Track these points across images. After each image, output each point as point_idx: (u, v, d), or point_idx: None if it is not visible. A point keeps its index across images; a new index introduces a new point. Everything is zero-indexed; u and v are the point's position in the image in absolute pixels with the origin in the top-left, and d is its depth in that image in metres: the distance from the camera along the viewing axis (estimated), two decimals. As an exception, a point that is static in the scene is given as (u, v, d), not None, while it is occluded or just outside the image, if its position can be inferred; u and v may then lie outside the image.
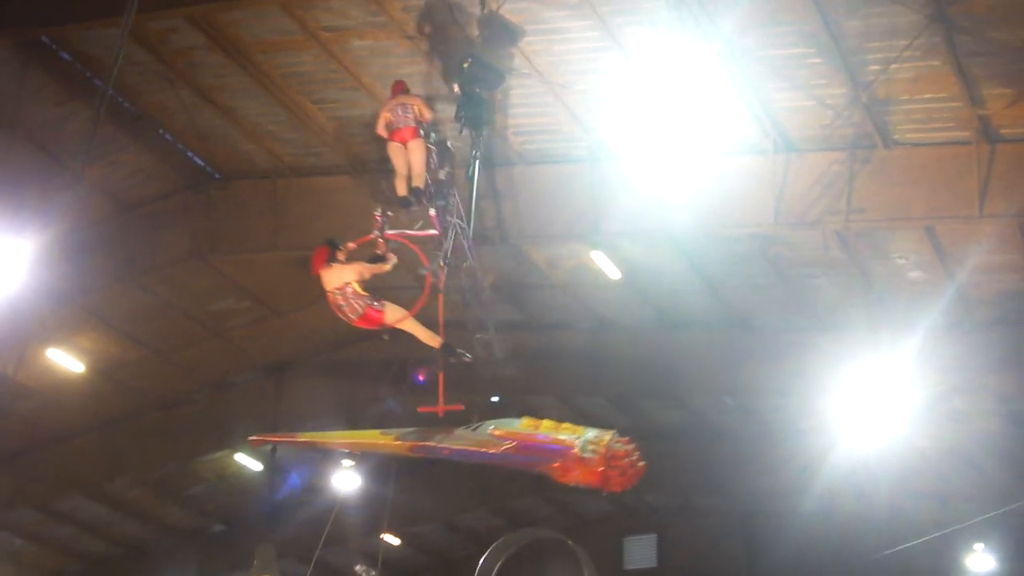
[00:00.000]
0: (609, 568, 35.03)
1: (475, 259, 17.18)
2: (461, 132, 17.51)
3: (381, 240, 16.42)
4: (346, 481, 29.68)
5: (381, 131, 16.95)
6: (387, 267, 16.13)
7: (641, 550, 36.58)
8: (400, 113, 16.93)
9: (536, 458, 15.30)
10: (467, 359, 16.43)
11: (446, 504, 34.64)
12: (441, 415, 15.83)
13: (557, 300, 26.06)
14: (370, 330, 16.32)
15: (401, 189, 16.78)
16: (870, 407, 22.73)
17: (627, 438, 15.43)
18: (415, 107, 16.89)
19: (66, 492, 31.55)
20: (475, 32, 17.95)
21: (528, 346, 25.65)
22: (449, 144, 17.79)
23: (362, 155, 22.03)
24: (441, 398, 16.08)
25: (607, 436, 15.21)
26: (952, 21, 17.28)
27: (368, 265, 15.89)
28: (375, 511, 28.67)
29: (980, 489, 28.21)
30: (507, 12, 18.01)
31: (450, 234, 16.81)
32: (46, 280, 21.28)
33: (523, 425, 15.40)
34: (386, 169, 18.19)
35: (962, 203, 19.57)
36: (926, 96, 19.03)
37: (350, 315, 15.82)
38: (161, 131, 22.11)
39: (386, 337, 16.42)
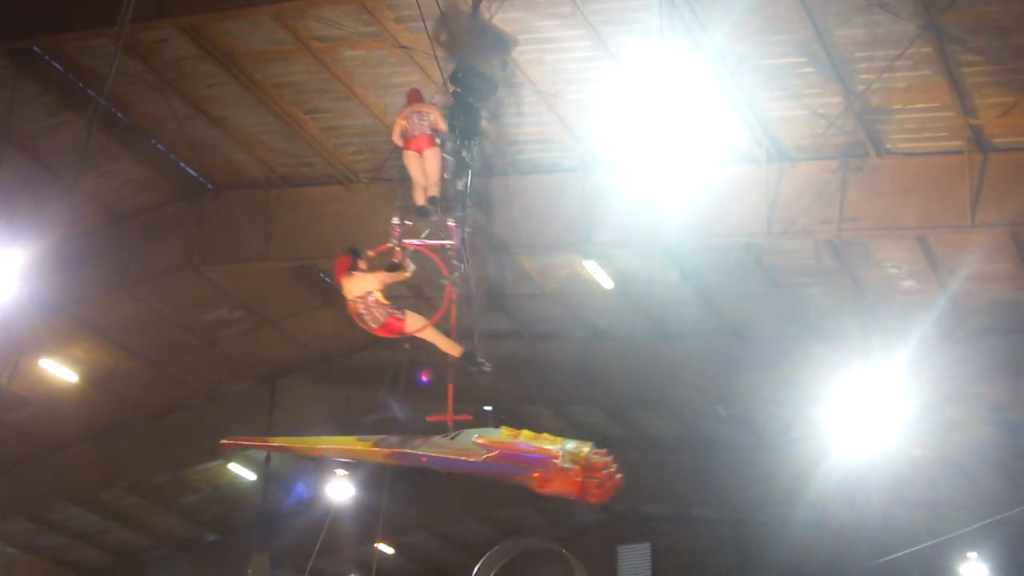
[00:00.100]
0: (602, 577, 35.07)
1: (468, 267, 17.14)
2: (455, 142, 17.46)
3: (398, 249, 16.30)
4: (340, 491, 29.66)
5: (396, 139, 16.79)
6: (406, 275, 16.02)
7: (634, 559, 36.53)
8: (416, 121, 16.73)
9: (516, 467, 15.27)
10: (487, 368, 16.37)
11: (439, 513, 34.63)
12: (450, 424, 15.76)
13: (549, 309, 26.06)
14: (388, 339, 16.17)
15: (419, 198, 16.65)
16: (862, 416, 22.75)
17: (605, 450, 15.45)
18: (430, 115, 16.72)
19: (59, 501, 31.56)
20: (468, 42, 17.94)
21: (520, 356, 25.68)
22: (464, 154, 17.72)
23: (354, 165, 22.04)
24: (450, 407, 16.00)
25: (586, 447, 15.24)
26: (944, 30, 17.30)
27: (389, 274, 15.77)
28: (369, 520, 28.59)
29: (973, 498, 28.21)
30: (499, 22, 18.03)
31: (467, 244, 16.75)
32: (39, 290, 21.23)
33: (503, 434, 15.38)
34: (398, 178, 18.08)
35: (954, 212, 19.58)
36: (918, 105, 19.05)
37: (371, 324, 15.65)
38: (153, 141, 22.11)
39: (407, 346, 16.36)
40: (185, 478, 32.03)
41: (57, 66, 20.12)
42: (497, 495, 32.26)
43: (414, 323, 15.64)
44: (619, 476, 15.47)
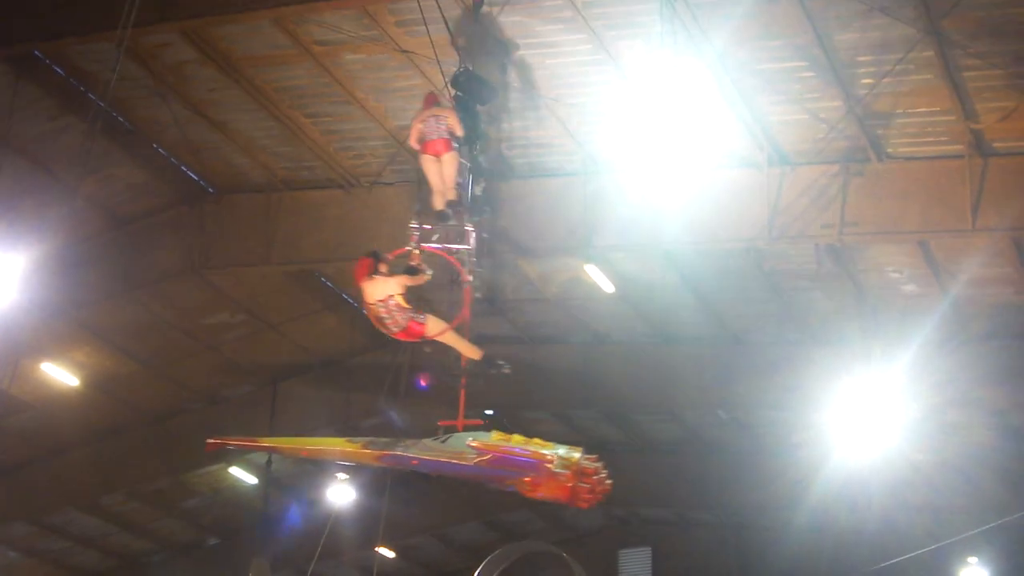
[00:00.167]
0: (603, 581, 35.07)
1: (485, 271, 17.14)
2: (457, 147, 17.41)
3: (416, 252, 16.24)
4: (340, 494, 29.65)
5: (414, 143, 16.70)
6: (425, 279, 15.95)
7: (635, 563, 36.55)
8: (433, 125, 16.63)
9: (509, 471, 15.24)
10: (507, 370, 16.35)
11: (440, 517, 34.62)
12: (460, 429, 15.73)
13: (550, 314, 26.06)
14: (389, 342, 16.12)
15: (438, 203, 16.58)
16: (864, 420, 22.74)
17: (595, 455, 15.48)
18: (448, 120, 16.63)
19: (60, 505, 31.55)
20: (469, 46, 17.93)
21: (521, 360, 25.65)
22: (482, 159, 17.69)
23: (355, 169, 22.04)
24: (462, 411, 15.97)
25: (577, 453, 15.27)
26: (944, 35, 17.31)
27: (409, 277, 15.71)
28: (369, 524, 28.60)
29: (974, 502, 28.21)
30: (501, 26, 18.03)
31: (485, 248, 16.73)
32: (40, 294, 21.26)
33: (494, 438, 15.37)
34: (415, 181, 18.03)
35: (955, 217, 19.57)
36: (919, 110, 19.06)
37: (392, 328, 15.56)
38: (154, 145, 22.11)
39: (428, 350, 16.31)
40: (186, 482, 32.03)
41: (58, 70, 20.12)
42: (498, 499, 32.21)
43: (435, 327, 15.58)
44: (609, 482, 15.50)
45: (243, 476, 31.63)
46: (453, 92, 17.26)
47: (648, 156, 20.31)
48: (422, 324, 15.52)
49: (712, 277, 23.78)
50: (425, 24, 17.15)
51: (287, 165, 22.35)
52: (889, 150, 19.85)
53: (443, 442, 15.43)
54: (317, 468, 30.82)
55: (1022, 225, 19.63)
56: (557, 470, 15.04)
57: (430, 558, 37.98)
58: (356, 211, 22.38)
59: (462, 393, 16.03)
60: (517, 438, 15.37)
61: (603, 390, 27.30)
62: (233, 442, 16.98)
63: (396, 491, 25.89)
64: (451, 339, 15.80)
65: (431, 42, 17.62)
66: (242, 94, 20.35)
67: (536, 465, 15.12)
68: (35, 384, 26.32)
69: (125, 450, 29.53)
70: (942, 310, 22.92)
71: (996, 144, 19.38)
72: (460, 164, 16.63)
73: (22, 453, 29.26)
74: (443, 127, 16.48)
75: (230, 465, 31.13)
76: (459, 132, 16.55)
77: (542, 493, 15.35)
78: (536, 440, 15.42)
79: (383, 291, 15.41)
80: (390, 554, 35.17)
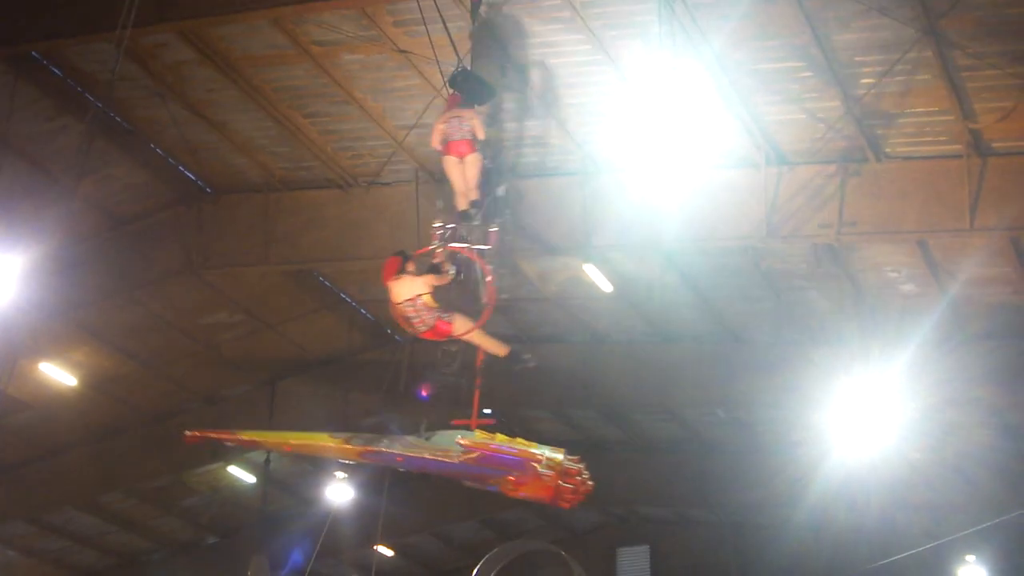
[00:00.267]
0: (602, 579, 35.09)
1: (506, 270, 17.15)
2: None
3: (440, 252, 16.20)
4: (339, 493, 29.66)
5: (436, 144, 16.63)
6: (448, 279, 15.92)
7: (633, 561, 36.59)
8: (456, 126, 16.56)
9: (495, 470, 15.26)
10: (532, 365, 16.38)
11: (439, 516, 34.64)
12: (474, 428, 15.71)
13: (549, 313, 26.07)
14: (436, 341, 16.06)
15: (461, 203, 16.53)
16: (862, 420, 22.73)
17: (577, 456, 15.51)
18: (471, 121, 16.56)
19: (59, 504, 31.56)
20: (467, 46, 17.93)
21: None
22: (503, 160, 17.64)
23: (353, 169, 22.05)
24: (475, 410, 15.96)
25: (559, 454, 15.31)
26: (943, 35, 17.30)
27: (436, 276, 15.68)
28: (368, 523, 28.62)
29: (972, 501, 28.25)
30: (499, 26, 18.02)
31: (508, 248, 16.73)
32: (38, 294, 21.24)
33: (479, 437, 15.37)
34: (437, 181, 17.99)
35: (953, 216, 19.58)
36: (917, 110, 19.06)
37: (419, 327, 15.50)
38: (152, 146, 22.10)
39: (454, 348, 16.28)
40: (185, 481, 32.02)
41: (56, 71, 20.11)
42: (496, 497, 32.00)
43: (462, 326, 15.55)
44: (591, 483, 15.53)
45: (242, 475, 31.64)
46: (451, 92, 17.26)
47: (647, 156, 20.27)
48: (449, 323, 15.48)
49: (711, 276, 23.79)
50: (424, 24, 17.15)
51: (285, 165, 22.34)
52: (887, 150, 19.85)
53: (427, 439, 15.42)
54: (316, 467, 30.86)
55: (1020, 225, 19.66)
56: (542, 470, 15.08)
57: (428, 556, 38.00)
58: (354, 211, 22.38)
59: (476, 393, 16.02)
60: (501, 437, 15.38)
61: (602, 389, 27.33)
62: (213, 434, 16.92)
63: (395, 490, 25.92)
64: (477, 338, 15.79)
65: (430, 42, 17.62)
66: (240, 94, 20.34)
67: (523, 464, 15.16)
68: (33, 384, 26.30)
69: (124, 449, 29.52)
70: (940, 310, 22.94)
71: (995, 144, 19.38)
72: (483, 165, 16.59)
73: (21, 453, 29.25)
74: (466, 128, 16.38)
75: (229, 464, 31.13)
76: (481, 134, 16.50)
77: (524, 492, 15.41)
78: (519, 440, 15.45)
79: (411, 291, 15.35)
80: (389, 552, 35.21)
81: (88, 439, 29.41)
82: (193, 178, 22.95)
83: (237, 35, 19.12)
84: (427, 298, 15.37)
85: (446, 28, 17.34)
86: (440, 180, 21.17)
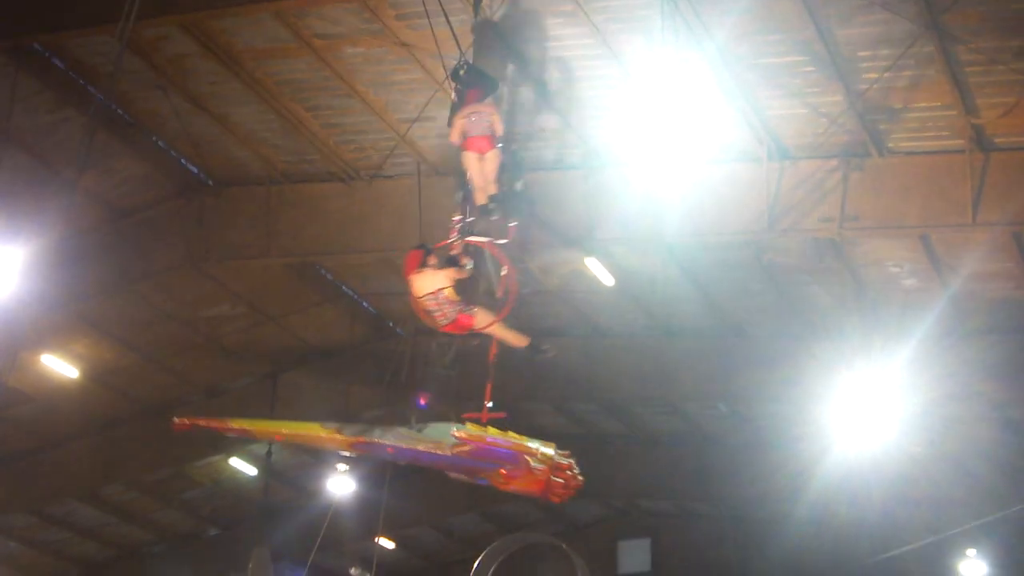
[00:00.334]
0: (603, 572, 35.13)
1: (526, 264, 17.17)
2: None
3: (458, 245, 16.17)
4: (340, 485, 29.68)
5: (455, 139, 16.58)
6: (467, 273, 15.91)
7: (635, 554, 36.63)
8: (476, 121, 16.53)
9: (488, 463, 15.25)
10: (551, 355, 16.41)
11: (440, 508, 34.71)
12: (484, 421, 15.71)
13: (551, 307, 26.04)
14: (462, 334, 16.04)
15: (480, 198, 16.51)
16: (863, 414, 22.73)
17: (568, 451, 15.53)
18: (491, 117, 16.54)
19: (61, 496, 31.62)
20: (469, 39, 17.91)
21: (522, 353, 25.64)
22: (519, 154, 17.61)
23: (355, 163, 22.04)
24: (487, 404, 15.96)
25: (550, 448, 15.32)
26: (946, 30, 17.28)
27: (456, 270, 15.66)
28: (369, 515, 28.63)
29: (973, 495, 28.28)
30: (501, 19, 18.00)
31: (526, 242, 16.73)
32: (40, 287, 21.21)
33: (472, 430, 15.35)
34: (456, 174, 17.96)
35: (956, 211, 19.57)
36: (920, 105, 19.03)
37: (440, 320, 15.46)
38: (154, 138, 22.08)
39: (476, 342, 16.28)
40: (186, 473, 32.07)
41: (58, 63, 20.08)
42: (498, 491, 32.30)
43: (483, 319, 15.55)
44: (581, 477, 15.54)
45: (243, 467, 31.67)
46: (454, 86, 17.23)
47: (649, 150, 20.26)
48: (471, 317, 15.48)
49: (713, 270, 23.79)
50: (428, 17, 17.10)
51: (287, 158, 22.32)
52: (890, 145, 19.83)
53: (419, 431, 15.40)
54: (317, 459, 30.89)
55: (1023, 220, 19.65)
56: (535, 464, 15.09)
57: (430, 549, 38.06)
58: (356, 204, 22.36)
59: (488, 385, 16.02)
60: (492, 430, 15.37)
61: (604, 383, 27.30)
62: (202, 422, 16.63)
63: (396, 482, 25.94)
64: (499, 331, 15.79)
65: (433, 35, 17.58)
66: (242, 87, 20.31)
67: (516, 457, 15.16)
68: (35, 376, 26.33)
69: (125, 441, 29.53)
70: (942, 304, 22.94)
71: (997, 139, 19.36)
72: (501, 160, 16.57)
73: (22, 444, 29.28)
74: (485, 124, 16.37)
75: (230, 456, 31.17)
76: (500, 129, 16.48)
77: (515, 486, 15.41)
78: (511, 433, 15.45)
79: (433, 284, 15.34)
80: (390, 544, 35.24)
81: (89, 431, 29.44)
82: (195, 171, 22.92)
83: (239, 28, 19.08)
84: (449, 291, 15.34)
85: (448, 22, 17.28)
86: (442, 173, 21.32)
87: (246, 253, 23.23)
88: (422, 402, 16.35)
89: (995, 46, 17.50)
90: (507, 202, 16.44)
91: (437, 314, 15.40)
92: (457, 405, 16.02)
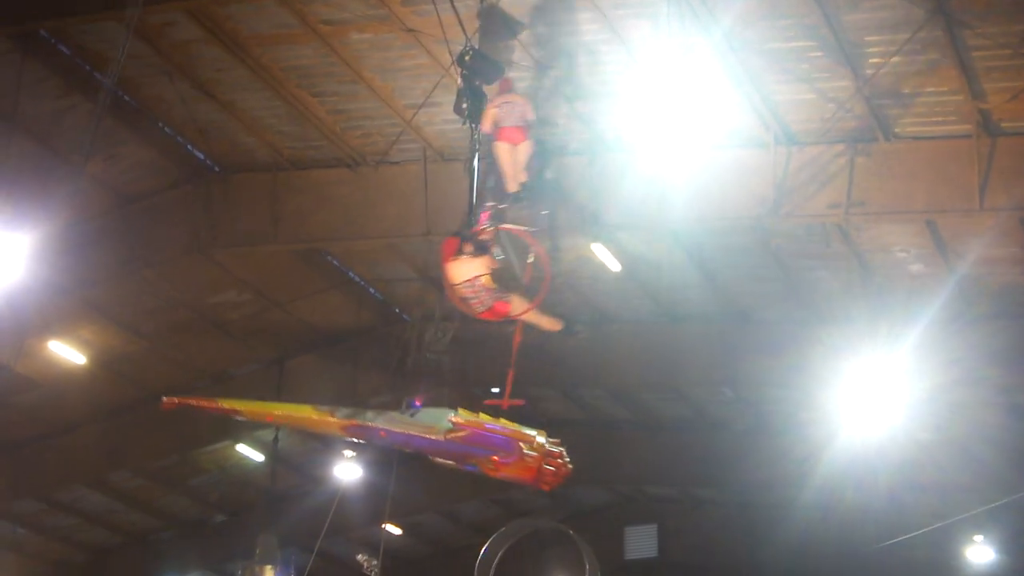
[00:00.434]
0: (609, 558, 35.05)
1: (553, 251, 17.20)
2: (464, 124, 17.35)
3: (488, 232, 16.16)
4: (347, 471, 29.73)
5: (487, 128, 16.56)
6: (498, 260, 15.92)
7: (641, 540, 36.66)
8: (508, 111, 16.52)
9: (481, 449, 15.24)
10: (583, 335, 16.46)
11: (447, 494, 34.69)
12: (505, 408, 15.73)
13: (557, 293, 25.91)
14: (493, 321, 16.05)
15: (511, 186, 16.51)
16: (870, 399, 22.71)
17: (558, 439, 15.54)
18: (522, 106, 16.54)
19: (68, 483, 31.71)
20: (475, 25, 17.89)
21: (528, 339, 25.64)
22: (548, 144, 17.63)
23: (362, 148, 22.03)
24: (508, 391, 15.98)
25: (541, 436, 15.32)
26: (953, 15, 17.25)
27: (490, 257, 15.65)
28: (376, 501, 28.68)
29: (980, 481, 28.23)
30: (506, 4, 17.98)
31: (555, 229, 16.77)
32: (46, 273, 21.33)
33: (465, 415, 15.35)
34: (488, 161, 17.99)
35: (963, 196, 19.55)
36: (927, 90, 19.00)
37: (477, 307, 15.42)
38: (160, 124, 22.10)
39: (511, 329, 16.30)
40: (193, 459, 32.12)
41: (64, 49, 20.09)
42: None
43: (519, 306, 15.56)
44: (571, 465, 15.55)
45: (250, 453, 31.71)
46: (459, 71, 17.21)
47: (655, 135, 20.22)
48: (507, 304, 15.48)
49: (719, 256, 23.79)
50: (434, 3, 17.05)
51: (293, 144, 22.32)
52: (897, 130, 19.81)
53: (412, 416, 15.38)
54: (324, 446, 30.92)
55: (1030, 205, 19.65)
56: (528, 451, 15.10)
57: (436, 535, 38.11)
58: (362, 190, 22.37)
59: (510, 373, 16.06)
60: (484, 417, 15.37)
61: (610, 368, 27.30)
62: (192, 401, 16.50)
63: (402, 468, 25.96)
64: (534, 317, 15.83)
65: (439, 21, 17.53)
66: (248, 73, 20.31)
67: (510, 444, 15.16)
68: (42, 362, 26.39)
69: (132, 428, 29.57)
70: (949, 289, 22.92)
71: (1004, 124, 19.34)
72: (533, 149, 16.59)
73: (30, 431, 29.35)
74: (518, 114, 16.38)
75: (237, 443, 31.22)
76: (531, 118, 16.50)
77: (505, 473, 15.41)
78: (503, 420, 15.45)
79: (469, 271, 15.31)
80: (397, 531, 35.28)
81: (97, 417, 29.50)
82: (201, 157, 22.94)
83: (245, 14, 19.06)
84: (486, 279, 15.32)
85: (454, 7, 17.26)
86: (449, 159, 21.30)
87: (252, 239, 23.24)
88: (417, 403, 16.32)
89: (1002, 31, 17.47)
90: (537, 190, 16.47)
91: (474, 301, 15.37)
92: (452, 390, 16.04)
